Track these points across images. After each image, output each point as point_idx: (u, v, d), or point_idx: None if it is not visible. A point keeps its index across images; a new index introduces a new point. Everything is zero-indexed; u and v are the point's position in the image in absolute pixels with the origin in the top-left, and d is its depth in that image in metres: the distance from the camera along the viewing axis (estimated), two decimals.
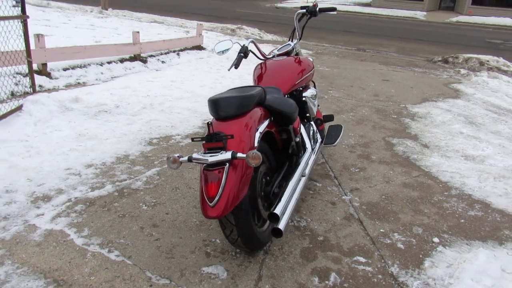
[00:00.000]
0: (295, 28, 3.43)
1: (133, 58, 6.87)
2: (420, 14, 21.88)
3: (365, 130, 4.45)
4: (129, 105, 4.67)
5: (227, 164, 1.89)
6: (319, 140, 3.19)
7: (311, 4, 3.32)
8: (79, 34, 8.26)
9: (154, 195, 2.88)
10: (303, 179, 2.54)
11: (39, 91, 5.08)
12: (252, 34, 11.40)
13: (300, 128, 2.74)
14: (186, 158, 1.93)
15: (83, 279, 2.04)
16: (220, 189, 1.85)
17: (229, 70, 2.99)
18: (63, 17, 10.74)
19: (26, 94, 4.73)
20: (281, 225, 2.03)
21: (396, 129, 4.53)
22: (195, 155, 1.91)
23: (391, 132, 4.44)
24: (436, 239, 2.57)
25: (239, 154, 1.86)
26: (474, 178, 3.41)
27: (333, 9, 3.27)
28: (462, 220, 2.81)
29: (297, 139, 2.56)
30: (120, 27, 9.74)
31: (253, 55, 3.17)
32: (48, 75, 5.57)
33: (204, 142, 1.93)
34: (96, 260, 2.18)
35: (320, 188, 3.13)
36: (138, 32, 6.84)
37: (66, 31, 8.40)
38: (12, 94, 4.91)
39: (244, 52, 2.96)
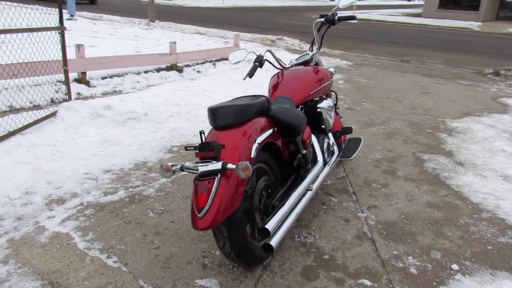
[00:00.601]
0: (314, 38, 3.33)
1: (169, 68, 7.04)
2: (474, 25, 20.85)
3: (395, 144, 4.24)
4: (157, 113, 4.76)
5: (219, 174, 1.84)
6: (336, 153, 3.06)
7: (329, 13, 3.21)
8: (122, 44, 8.60)
9: (163, 202, 2.88)
10: (309, 193, 2.43)
11: (76, 99, 5.32)
12: (292, 44, 11.35)
13: (310, 140, 2.64)
14: (179, 166, 1.90)
15: (77, 283, 2.05)
16: (210, 200, 1.79)
17: (244, 79, 2.97)
18: (111, 29, 11.27)
19: (64, 101, 4.95)
20: (273, 241, 1.94)
21: (430, 144, 4.27)
22: (187, 164, 1.88)
23: (423, 147, 4.20)
24: (455, 266, 2.36)
25: (229, 165, 1.80)
26: (510, 201, 3.12)
27: (353, 17, 3.14)
28: (490, 247, 2.56)
29: (304, 151, 2.46)
30: (162, 38, 10.05)
31: (270, 64, 3.14)
32: (87, 83, 5.82)
33: (197, 151, 1.89)
34: (94, 265, 2.19)
35: (335, 204, 2.99)
36: (174, 42, 7.01)
37: (111, 42, 8.78)
38: (52, 100, 5.17)
39: (259, 62, 2.93)
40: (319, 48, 3.31)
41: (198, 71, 7.36)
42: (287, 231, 2.09)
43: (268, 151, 2.31)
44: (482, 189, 3.30)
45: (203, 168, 1.82)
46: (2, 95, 4.63)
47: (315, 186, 2.52)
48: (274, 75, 3.07)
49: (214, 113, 2.02)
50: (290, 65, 3.21)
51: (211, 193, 1.80)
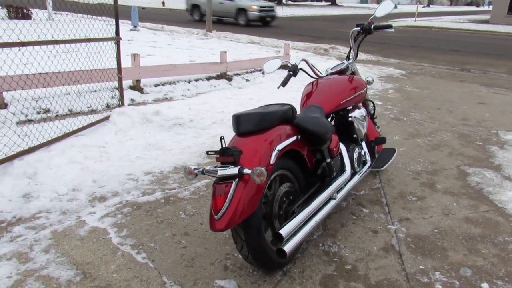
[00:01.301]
0: (351, 47, 3.33)
1: (219, 76, 7.27)
2: None
3: (439, 157, 4.08)
4: (202, 120, 4.95)
5: (236, 179, 1.91)
6: (369, 163, 3.03)
7: (365, 22, 3.19)
8: (178, 54, 9.00)
9: (195, 205, 3.01)
10: (333, 202, 2.43)
11: (130, 104, 5.67)
12: (345, 53, 11.21)
13: (338, 149, 2.64)
14: (200, 170, 2.00)
15: (106, 274, 2.21)
16: (226, 203, 1.87)
17: (278, 88, 3.03)
18: (169, 39, 11.83)
19: (117, 106, 5.30)
20: (287, 247, 1.98)
21: (477, 157, 4.07)
22: (207, 168, 1.97)
23: (469, 160, 4.00)
24: (485, 285, 2.25)
25: (246, 170, 1.87)
26: None
27: (389, 26, 3.11)
28: None
29: (328, 160, 2.47)
30: (216, 47, 10.37)
31: (305, 74, 3.18)
32: (141, 90, 6.18)
33: (217, 156, 1.98)
34: (124, 259, 2.35)
35: (365, 214, 2.95)
36: (225, 52, 7.23)
37: (168, 51, 9.23)
38: (107, 106, 5.55)
39: (293, 71, 2.98)
40: (356, 57, 3.30)
41: (247, 80, 7.53)
42: (304, 237, 2.11)
43: (292, 159, 2.35)
44: None
45: (221, 172, 1.91)
46: (63, 100, 5.06)
47: (340, 195, 2.52)
48: (308, 84, 3.11)
49: (237, 120, 2.10)
50: (325, 74, 3.23)
51: (228, 196, 1.88)
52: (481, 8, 63.07)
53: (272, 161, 2.04)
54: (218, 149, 1.97)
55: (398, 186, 3.41)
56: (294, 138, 2.25)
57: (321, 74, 3.23)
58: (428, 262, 2.44)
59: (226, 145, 2.01)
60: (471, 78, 8.50)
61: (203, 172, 1.98)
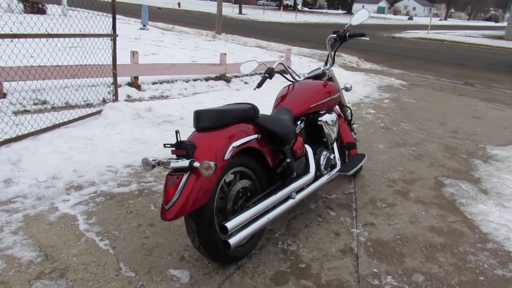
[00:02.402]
0: (328, 53, 3.40)
1: (218, 78, 7.38)
2: None
3: (419, 167, 4.11)
4: (192, 118, 5.03)
5: (188, 171, 2.00)
6: (338, 167, 3.08)
7: (341, 30, 3.26)
8: (181, 54, 9.16)
9: None
10: (290, 201, 2.50)
11: (126, 100, 5.80)
12: (350, 62, 11.27)
13: (303, 151, 2.71)
14: (157, 161, 2.09)
15: (66, 258, 2.31)
16: (176, 194, 1.96)
17: (254, 89, 3.12)
18: (175, 39, 12.02)
19: (114, 101, 5.43)
20: (232, 239, 2.05)
21: (458, 170, 4.09)
22: (162, 160, 2.06)
23: (449, 172, 4.03)
24: None
25: (196, 163, 1.96)
26: None
27: (363, 34, 3.17)
28: (482, 278, 2.44)
29: (288, 160, 2.54)
30: (220, 49, 10.51)
31: (281, 76, 3.26)
32: (139, 87, 6.32)
33: (173, 149, 2.07)
34: (86, 245, 2.44)
35: (332, 217, 3.01)
36: (225, 53, 7.35)
37: (171, 51, 9.39)
38: (103, 100, 5.68)
39: (269, 73, 3.06)
40: (332, 63, 3.36)
41: (246, 82, 7.63)
42: (253, 232, 2.18)
43: (253, 157, 2.42)
44: (498, 219, 3.12)
45: (173, 164, 2.00)
46: (61, 93, 5.21)
47: (300, 195, 2.58)
48: (284, 87, 3.19)
49: (197, 116, 2.19)
50: (302, 79, 3.30)
51: (179, 187, 1.96)
52: (499, 24, 62.44)
53: (226, 157, 2.12)
54: (174, 142, 2.06)
55: (371, 192, 3.46)
56: (254, 136, 2.33)
57: (298, 78, 3.30)
58: (382, 266, 2.49)
59: (183, 139, 2.09)
60: (472, 93, 8.48)
61: (158, 164, 2.07)
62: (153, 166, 2.08)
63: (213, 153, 2.07)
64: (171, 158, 2.05)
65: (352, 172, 3.05)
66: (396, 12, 72.49)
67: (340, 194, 3.40)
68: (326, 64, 3.42)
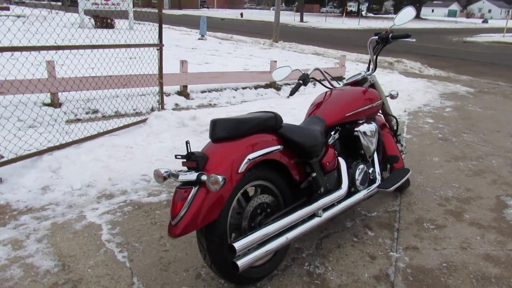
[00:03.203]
0: (370, 58, 3.13)
1: (268, 85, 7.27)
2: None
3: (479, 184, 3.66)
4: None
5: (198, 185, 1.87)
6: (378, 182, 2.79)
7: (383, 31, 2.98)
8: (235, 62, 9.18)
9: None
10: (316, 220, 2.27)
11: (174, 109, 5.88)
12: (411, 67, 10.65)
13: (334, 164, 2.47)
14: (168, 173, 1.98)
15: (82, 269, 2.27)
16: (184, 209, 1.83)
17: (287, 97, 2.95)
18: (231, 48, 12.12)
19: (160, 110, 5.51)
20: (241, 261, 1.87)
21: None
22: (173, 172, 1.95)
23: None
24: None
25: (203, 177, 1.82)
26: None
27: (408, 36, 2.86)
28: None
29: (314, 174, 2.31)
30: (275, 57, 10.41)
31: (318, 84, 3.05)
32: (187, 96, 6.37)
33: (184, 160, 1.95)
34: (104, 256, 2.40)
35: (369, 238, 2.72)
36: (275, 61, 7.22)
37: (225, 60, 9.45)
38: (152, 109, 5.79)
39: (303, 80, 2.89)
40: (375, 68, 3.08)
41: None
42: (266, 253, 1.99)
43: (276, 170, 2.24)
44: None
45: (181, 177, 1.88)
46: (112, 102, 5.38)
47: (328, 213, 2.34)
48: (320, 94, 2.98)
49: (213, 125, 2.05)
50: (341, 86, 3.07)
51: (186, 202, 1.84)
52: None
53: (241, 170, 1.96)
54: (185, 154, 1.94)
55: (418, 211, 3.11)
56: (275, 148, 2.15)
57: (336, 84, 3.08)
58: None
59: (197, 150, 1.97)
60: None
61: (169, 176, 1.96)
62: (165, 178, 1.97)
63: (225, 166, 1.92)
64: (181, 170, 1.94)
65: (392, 189, 2.75)
66: (469, 15, 68.16)
67: (382, 212, 3.09)
68: (368, 69, 3.15)
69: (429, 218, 3.02)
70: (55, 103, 5.30)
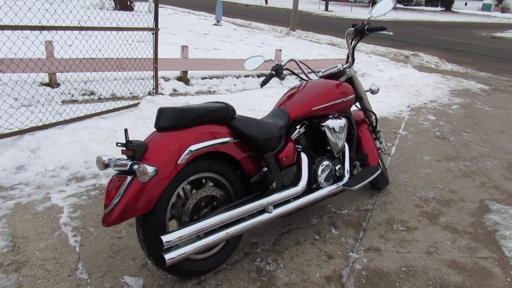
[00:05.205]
0: (348, 50, 3.00)
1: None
2: None
3: (465, 186, 3.50)
4: None
5: (133, 175, 1.83)
6: (345, 180, 2.69)
7: (359, 23, 2.84)
8: (244, 50, 9.06)
9: None
10: (264, 216, 2.20)
11: (171, 94, 5.86)
12: (428, 62, 10.29)
13: (292, 159, 2.39)
14: (108, 161, 1.95)
15: (31, 251, 2.28)
16: (116, 198, 1.80)
17: (261, 87, 2.88)
18: (244, 35, 11.98)
19: (154, 94, 5.49)
20: (169, 255, 1.83)
21: None
22: (112, 159, 1.91)
23: (502, 195, 3.37)
24: None
25: (135, 167, 1.78)
26: None
27: (383, 28, 2.71)
28: None
29: (265, 169, 2.23)
30: (287, 46, 10.25)
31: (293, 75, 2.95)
32: (187, 82, 6.33)
33: (123, 149, 1.91)
34: (57, 240, 2.40)
35: (332, 236, 2.64)
36: (280, 50, 7.11)
37: (235, 47, 9.34)
38: (149, 93, 5.78)
39: (275, 70, 2.81)
40: (352, 61, 2.95)
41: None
42: (201, 248, 1.94)
43: (227, 163, 2.18)
44: None
45: (116, 166, 1.84)
46: (109, 85, 5.39)
47: (278, 210, 2.26)
48: (294, 86, 2.88)
49: (158, 114, 2.01)
50: (317, 78, 2.96)
51: (119, 191, 1.80)
52: None
53: (180, 161, 1.90)
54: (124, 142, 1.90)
55: (391, 211, 3.00)
56: (224, 140, 2.08)
57: (313, 76, 2.97)
58: None
59: (137, 139, 1.94)
60: None
61: (109, 163, 1.92)
62: (106, 165, 1.94)
63: (162, 157, 1.87)
64: (120, 158, 1.90)
65: (357, 187, 2.64)
66: (504, 10, 65.34)
67: (353, 210, 2.99)
68: (347, 62, 3.02)
69: (401, 219, 2.91)
70: (52, 83, 5.34)
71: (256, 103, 5.56)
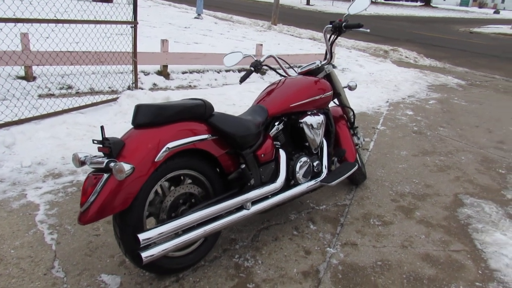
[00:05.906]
0: (326, 47, 3.02)
1: None
2: None
3: (440, 180, 3.58)
4: None
5: (110, 172, 1.81)
6: (323, 176, 2.72)
7: (337, 20, 2.87)
8: (224, 44, 9.02)
9: None
10: (242, 213, 2.21)
11: (151, 89, 5.80)
12: (407, 57, 10.44)
13: (270, 156, 2.41)
14: (84, 158, 1.92)
15: (6, 249, 2.24)
16: (92, 196, 1.78)
17: (240, 83, 2.88)
18: (225, 29, 11.90)
19: (134, 89, 5.42)
20: (146, 253, 1.83)
21: (487, 188, 3.51)
22: (88, 157, 1.89)
23: (475, 189, 3.46)
24: None
25: (112, 164, 1.76)
26: None
27: (360, 25, 2.75)
28: None
29: (243, 166, 2.25)
30: (268, 41, 10.23)
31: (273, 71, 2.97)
32: (167, 76, 6.27)
33: (99, 146, 1.89)
34: (32, 237, 2.36)
35: (310, 232, 2.68)
36: (261, 44, 7.08)
37: (216, 41, 9.28)
38: (129, 88, 5.71)
39: (254, 66, 2.81)
40: (330, 58, 2.97)
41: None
42: (179, 246, 1.94)
43: (206, 160, 2.18)
44: None
45: (92, 163, 1.82)
46: (86, 79, 5.30)
47: (256, 206, 2.28)
48: (273, 83, 2.89)
49: (135, 111, 1.99)
50: (295, 75, 2.98)
51: (95, 189, 1.78)
52: None
53: (158, 158, 1.90)
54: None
55: (368, 206, 3.05)
56: (202, 137, 2.08)
57: (292, 73, 2.99)
58: None
59: (114, 136, 1.92)
60: None
61: (85, 161, 1.90)
62: (82, 163, 1.92)
63: (139, 154, 1.86)
64: (96, 156, 1.88)
65: (334, 183, 2.67)
66: (481, 5, 66.64)
67: (331, 205, 3.03)
68: (325, 58, 3.04)
69: (378, 213, 2.96)
70: (28, 77, 5.22)
71: (237, 98, 5.55)
